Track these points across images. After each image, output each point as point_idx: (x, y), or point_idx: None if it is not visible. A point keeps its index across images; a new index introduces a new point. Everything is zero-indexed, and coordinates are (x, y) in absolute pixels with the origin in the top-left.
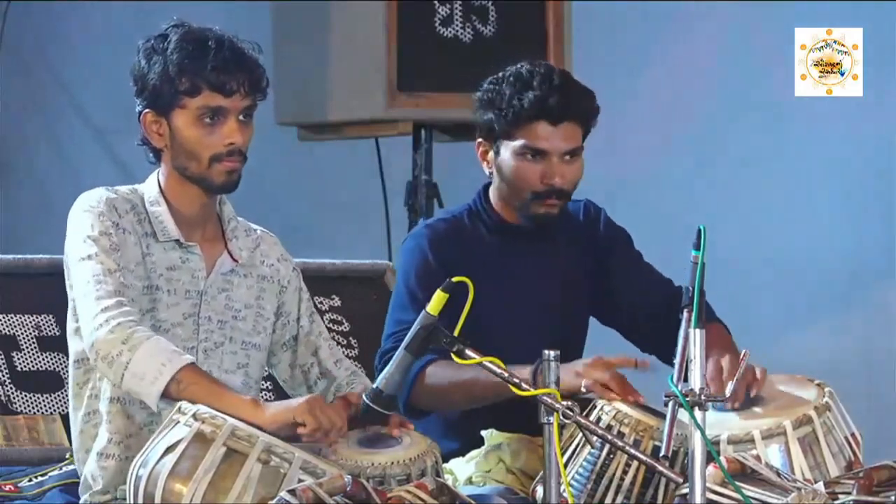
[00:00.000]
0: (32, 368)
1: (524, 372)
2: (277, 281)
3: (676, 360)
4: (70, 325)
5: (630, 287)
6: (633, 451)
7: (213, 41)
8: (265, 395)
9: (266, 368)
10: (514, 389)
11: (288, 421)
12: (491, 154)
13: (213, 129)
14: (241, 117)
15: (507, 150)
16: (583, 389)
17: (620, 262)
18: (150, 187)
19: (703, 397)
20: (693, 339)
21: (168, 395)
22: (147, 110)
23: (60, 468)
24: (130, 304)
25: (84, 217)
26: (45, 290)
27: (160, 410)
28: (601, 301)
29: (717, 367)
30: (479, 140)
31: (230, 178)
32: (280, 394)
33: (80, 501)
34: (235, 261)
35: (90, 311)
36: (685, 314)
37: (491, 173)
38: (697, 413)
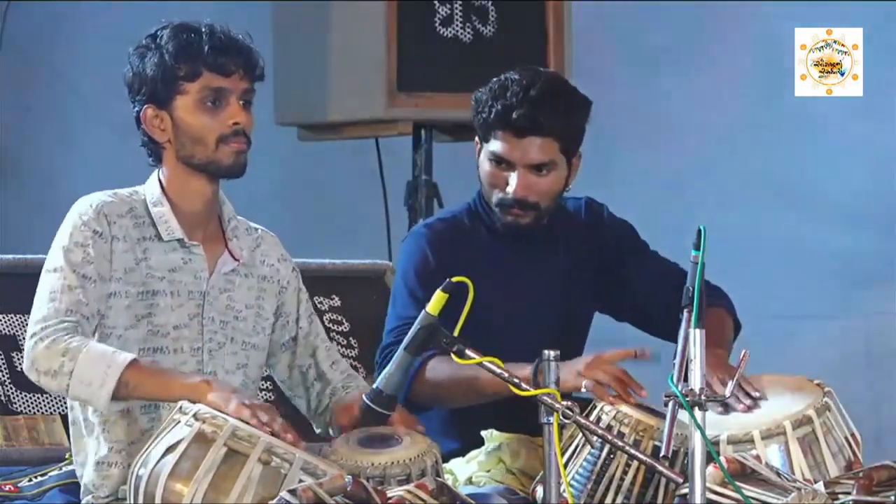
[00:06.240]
0: None
1: (524, 371)
2: (277, 281)
3: (676, 361)
4: None
5: (642, 279)
6: (633, 451)
7: (205, 27)
8: (264, 395)
9: (265, 369)
10: (515, 389)
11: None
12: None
13: (216, 112)
14: (243, 102)
15: (484, 153)
16: (583, 389)
17: (629, 255)
18: (151, 188)
19: (703, 397)
20: (693, 339)
21: (118, 398)
22: (147, 106)
23: (60, 468)
24: (76, 318)
25: (67, 225)
26: None
27: (161, 406)
28: (613, 297)
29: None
30: (476, 138)
31: (238, 160)
32: (280, 394)
33: (83, 502)
34: (237, 260)
35: (29, 329)
36: (685, 314)
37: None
38: (697, 413)
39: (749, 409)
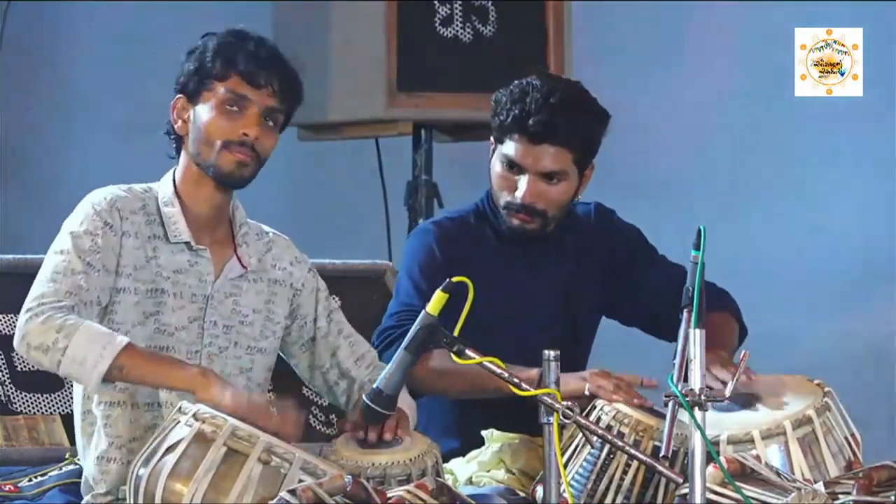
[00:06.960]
0: (32, 368)
1: (531, 373)
2: (290, 284)
3: (676, 361)
4: None
5: (651, 284)
6: (633, 451)
7: (255, 38)
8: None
9: (285, 368)
10: (515, 390)
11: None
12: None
13: (233, 118)
14: (265, 118)
15: (497, 154)
16: (586, 392)
17: (639, 260)
18: (164, 187)
19: (703, 397)
20: (693, 339)
21: (110, 379)
22: (179, 95)
23: (60, 468)
24: (74, 301)
25: (79, 212)
26: None
27: (163, 405)
28: (620, 301)
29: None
30: (491, 138)
31: (239, 171)
32: (280, 392)
33: (83, 502)
34: (245, 267)
35: (25, 305)
36: (685, 314)
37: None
38: (697, 413)
39: (748, 402)
